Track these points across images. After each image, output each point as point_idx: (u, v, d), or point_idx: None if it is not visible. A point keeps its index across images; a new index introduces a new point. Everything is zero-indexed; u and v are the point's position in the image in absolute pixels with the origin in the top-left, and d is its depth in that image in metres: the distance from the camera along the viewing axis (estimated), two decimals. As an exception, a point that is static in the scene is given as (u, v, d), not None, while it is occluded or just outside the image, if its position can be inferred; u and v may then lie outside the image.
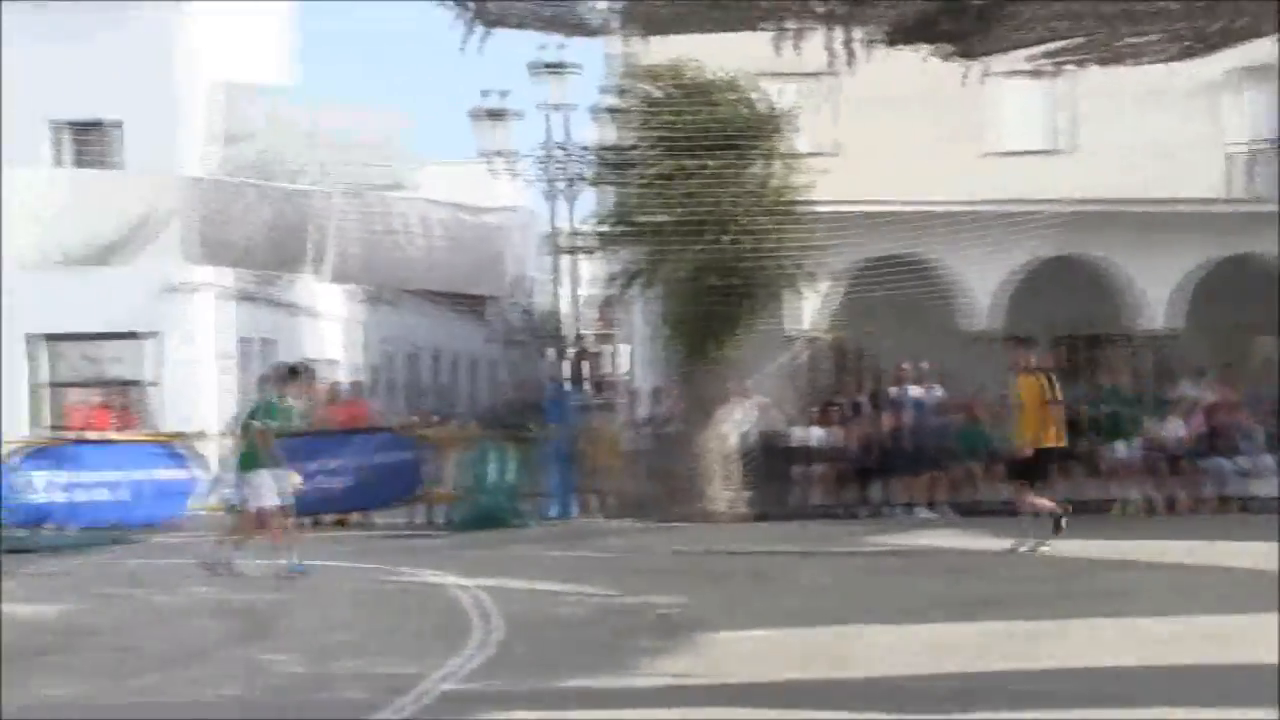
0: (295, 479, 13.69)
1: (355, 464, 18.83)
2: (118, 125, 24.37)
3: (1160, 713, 6.75)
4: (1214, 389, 20.01)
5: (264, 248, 18.68)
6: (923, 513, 18.32)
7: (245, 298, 26.08)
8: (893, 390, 19.54)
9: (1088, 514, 16.37)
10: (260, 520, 13.37)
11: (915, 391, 19.27)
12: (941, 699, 7.23)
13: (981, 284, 20.96)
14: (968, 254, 20.11)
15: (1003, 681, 7.65)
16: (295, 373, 14.54)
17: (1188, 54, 12.98)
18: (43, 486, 17.80)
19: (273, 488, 13.26)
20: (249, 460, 13.53)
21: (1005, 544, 13.87)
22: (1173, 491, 18.93)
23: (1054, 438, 14.14)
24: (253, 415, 13.79)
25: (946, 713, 6.87)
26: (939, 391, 19.60)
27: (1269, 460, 19.23)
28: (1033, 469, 14.16)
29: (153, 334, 24.42)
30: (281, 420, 13.65)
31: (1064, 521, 13.82)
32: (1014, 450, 14.55)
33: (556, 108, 20.86)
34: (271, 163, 19.13)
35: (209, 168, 19.09)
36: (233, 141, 18.59)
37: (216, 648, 9.54)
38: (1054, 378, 14.48)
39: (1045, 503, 14.02)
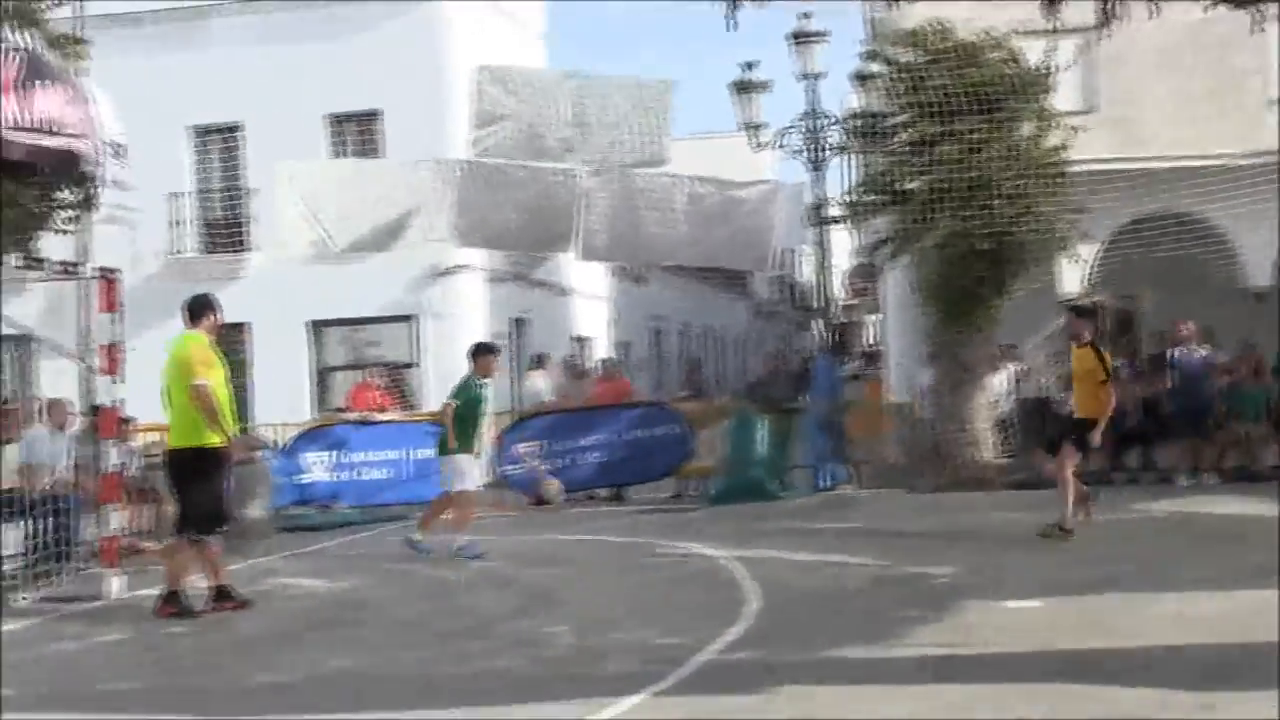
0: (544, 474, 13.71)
1: (621, 439, 19.14)
2: (383, 115, 25.13)
3: None
4: None
5: (521, 228, 19.14)
6: (1184, 479, 17.54)
7: (506, 278, 26.68)
8: (1168, 352, 18.84)
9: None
10: (459, 503, 13.43)
11: (1184, 353, 18.44)
12: (1206, 672, 7.01)
13: (1255, 240, 20.11)
14: (1241, 209, 19.29)
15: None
16: (485, 350, 14.21)
17: None
18: (322, 466, 18.67)
19: (466, 472, 13.31)
20: (443, 444, 13.54)
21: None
22: None
23: (1095, 411, 13.08)
24: (453, 397, 13.69)
25: (1210, 688, 6.63)
26: (1205, 352, 18.75)
27: None
28: (1078, 441, 13.15)
29: (419, 316, 25.19)
30: (472, 400, 13.53)
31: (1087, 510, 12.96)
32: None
33: (815, 77, 20.71)
34: (531, 143, 19.58)
35: (470, 152, 19.65)
36: (490, 123, 19.07)
37: (492, 621, 9.82)
38: (1105, 352, 13.47)
39: (1071, 486, 12.94)
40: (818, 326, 23.98)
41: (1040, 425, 18.57)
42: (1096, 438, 12.81)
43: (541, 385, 21.18)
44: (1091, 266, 19.51)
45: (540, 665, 8.12)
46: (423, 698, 7.31)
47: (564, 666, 8.08)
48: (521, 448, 18.59)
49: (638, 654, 8.23)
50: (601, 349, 30.95)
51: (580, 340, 31.05)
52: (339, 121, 25.62)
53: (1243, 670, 6.99)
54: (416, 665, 8.25)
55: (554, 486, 14.86)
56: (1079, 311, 14.46)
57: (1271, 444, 17.92)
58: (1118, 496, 15.84)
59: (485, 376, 13.78)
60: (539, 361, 22.19)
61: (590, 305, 32.33)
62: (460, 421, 13.26)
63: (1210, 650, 7.58)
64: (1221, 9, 12.63)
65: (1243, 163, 19.52)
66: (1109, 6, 12.43)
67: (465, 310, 25.21)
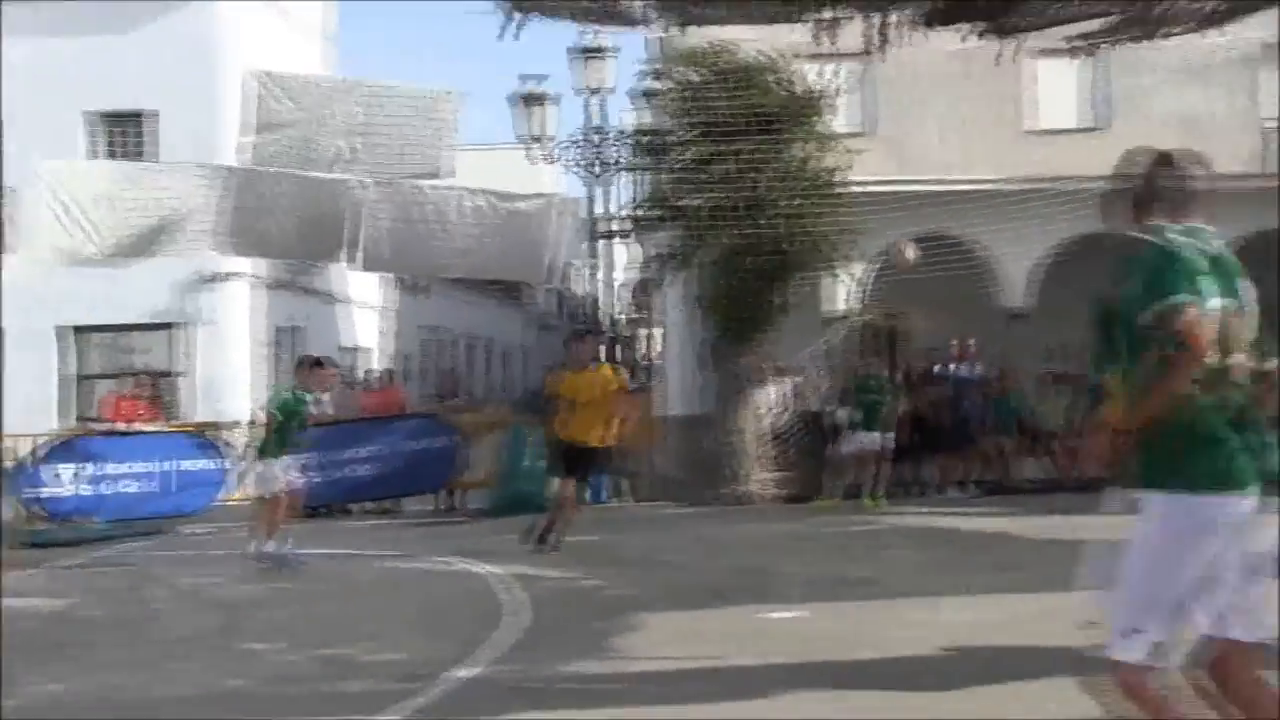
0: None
1: (391, 450, 18.86)
2: (153, 116, 24.37)
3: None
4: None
5: (296, 237, 18.64)
6: (953, 492, 18.09)
7: (279, 286, 26.11)
8: (935, 368, 19.39)
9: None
10: (272, 508, 13.44)
11: (954, 369, 19.10)
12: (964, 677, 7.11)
13: (1017, 263, 20.77)
14: (1004, 233, 19.90)
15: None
16: (315, 364, 14.59)
17: (1219, 21, 12.76)
18: (70, 479, 17.90)
19: (278, 476, 13.37)
20: (261, 449, 13.90)
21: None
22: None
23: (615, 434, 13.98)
24: (270, 406, 14.13)
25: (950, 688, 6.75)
26: (978, 369, 19.42)
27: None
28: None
29: (184, 324, 24.47)
30: (291, 411, 13.63)
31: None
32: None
33: (594, 92, 20.75)
34: (308, 152, 19.12)
35: (243, 158, 19.10)
36: (266, 130, 18.57)
37: (227, 637, 9.51)
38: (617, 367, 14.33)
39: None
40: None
41: (813, 439, 18.92)
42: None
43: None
44: (864, 285, 19.89)
45: (277, 684, 7.82)
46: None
47: (303, 685, 7.80)
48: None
49: (384, 670, 8.02)
50: (376, 359, 30.50)
51: (354, 350, 30.56)
52: (107, 120, 24.75)
53: (997, 672, 7.10)
54: (141, 687, 7.88)
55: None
56: (580, 335, 14.98)
57: (1025, 458, 18.63)
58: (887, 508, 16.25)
59: (309, 390, 13.98)
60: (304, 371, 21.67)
61: (365, 315, 31.85)
62: (279, 430, 13.51)
63: (960, 655, 7.71)
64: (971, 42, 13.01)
65: (1004, 188, 20.13)
66: (879, 32, 12.71)
67: (234, 317, 24.58)
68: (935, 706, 6.64)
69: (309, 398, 13.91)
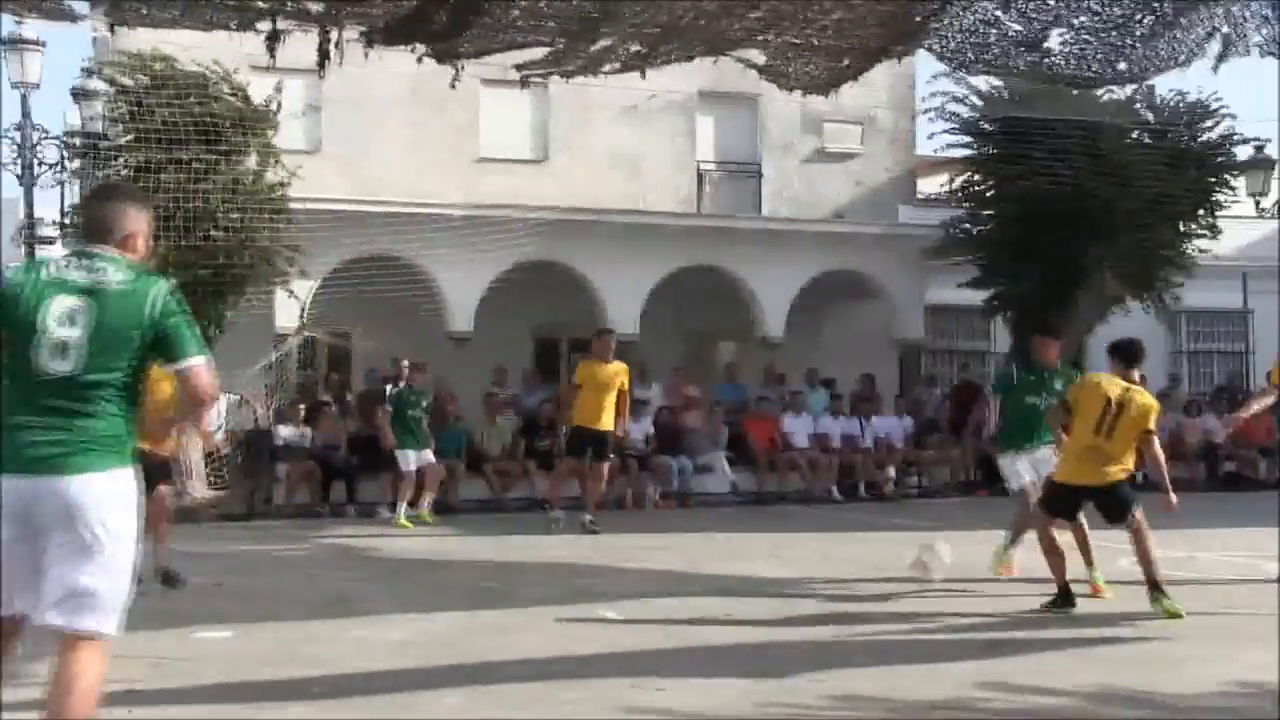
0: None
1: None
2: None
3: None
4: (668, 391, 21.47)
5: None
6: (384, 512, 18.12)
7: None
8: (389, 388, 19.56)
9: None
10: None
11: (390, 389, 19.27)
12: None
13: (462, 288, 21.36)
14: (450, 258, 20.43)
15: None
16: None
17: (652, 62, 13.61)
18: None
19: None
20: None
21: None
22: (635, 488, 19.89)
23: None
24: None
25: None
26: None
27: (720, 457, 20.63)
28: None
29: None
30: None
31: None
32: None
33: (29, 87, 19.73)
34: None
35: None
36: None
37: None
38: None
39: None
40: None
41: (254, 457, 18.71)
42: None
43: None
44: (307, 302, 19.91)
45: None
46: None
47: None
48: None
49: None
50: None
51: None
52: None
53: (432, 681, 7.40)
54: None
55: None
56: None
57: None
58: (323, 528, 16.31)
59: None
60: None
61: None
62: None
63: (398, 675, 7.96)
64: (430, 63, 13.33)
65: (451, 212, 20.69)
66: (324, 48, 12.77)
67: None
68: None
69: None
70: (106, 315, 4.99)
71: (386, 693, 7.45)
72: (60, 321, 4.95)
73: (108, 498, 4.93)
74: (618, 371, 16.00)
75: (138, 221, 5.33)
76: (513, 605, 10.31)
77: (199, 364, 5.13)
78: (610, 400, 15.71)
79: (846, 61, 13.24)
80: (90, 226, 5.34)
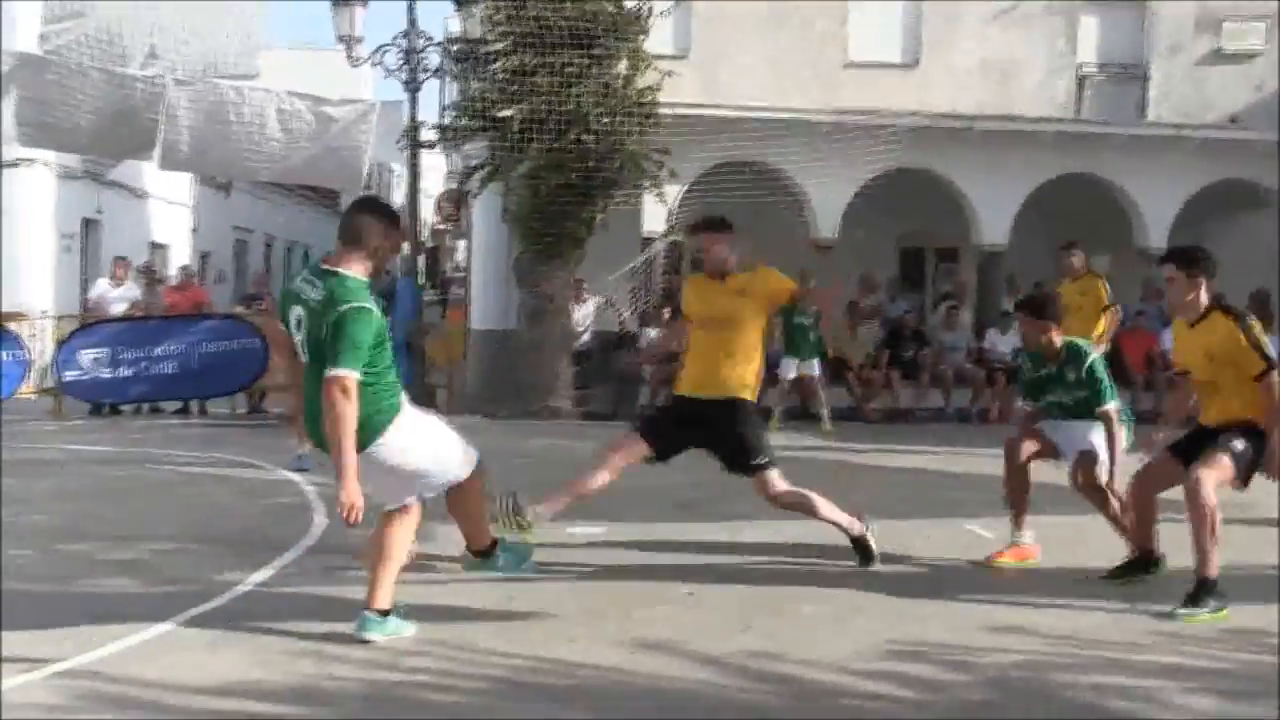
0: None
1: (195, 350, 18.54)
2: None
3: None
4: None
5: (96, 132, 18.07)
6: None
7: (78, 176, 25.33)
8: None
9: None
10: None
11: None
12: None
13: (827, 195, 21.09)
14: (815, 165, 20.18)
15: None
16: None
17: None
18: None
19: None
20: None
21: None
22: (1003, 401, 19.39)
23: None
24: None
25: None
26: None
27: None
28: None
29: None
30: None
31: None
32: None
33: (413, -3, 20.38)
34: (110, 44, 18.49)
35: (45, 47, 18.41)
36: (62, 19, 17.92)
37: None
38: None
39: None
40: (404, 248, 23.75)
41: (618, 359, 19.09)
42: None
43: (111, 290, 20.22)
44: (674, 206, 20.03)
45: (57, 583, 7.68)
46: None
47: (87, 584, 7.71)
48: (87, 354, 17.86)
49: (180, 576, 7.95)
50: (181, 257, 29.83)
51: (157, 247, 29.83)
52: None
53: (784, 601, 7.34)
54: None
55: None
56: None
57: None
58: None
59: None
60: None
61: (170, 211, 31.07)
62: None
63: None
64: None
65: (818, 120, 20.40)
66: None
67: (31, 207, 23.77)
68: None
69: None
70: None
71: (744, 593, 7.46)
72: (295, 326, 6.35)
73: None
74: None
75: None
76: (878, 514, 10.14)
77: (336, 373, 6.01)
78: None
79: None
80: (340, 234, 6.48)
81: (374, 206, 6.50)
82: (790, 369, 17.61)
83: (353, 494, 5.93)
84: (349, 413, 5.92)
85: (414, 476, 6.53)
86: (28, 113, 17.36)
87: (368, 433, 6.15)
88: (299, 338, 6.24)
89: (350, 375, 5.96)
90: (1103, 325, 13.70)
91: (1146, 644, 6.50)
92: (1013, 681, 5.89)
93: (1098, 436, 8.19)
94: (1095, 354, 8.37)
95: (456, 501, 7.21)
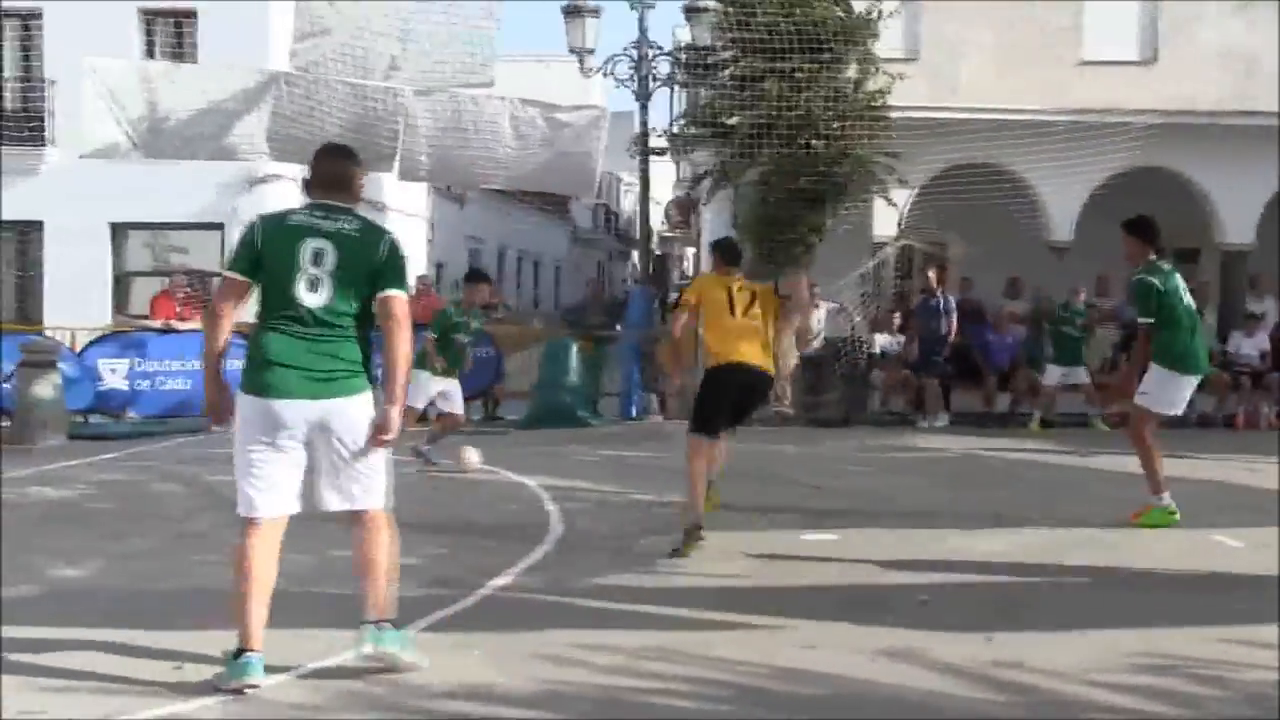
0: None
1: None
2: (199, 14, 24.38)
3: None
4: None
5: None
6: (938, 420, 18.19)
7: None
8: (948, 297, 19.46)
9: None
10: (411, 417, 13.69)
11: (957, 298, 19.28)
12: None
13: (1063, 195, 20.65)
14: (1050, 165, 19.78)
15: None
16: (469, 279, 15.07)
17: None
18: (111, 373, 18.18)
19: (419, 391, 13.51)
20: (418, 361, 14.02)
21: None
22: (1249, 406, 18.77)
23: None
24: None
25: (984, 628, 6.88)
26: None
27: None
28: None
29: (230, 224, 24.62)
30: (447, 326, 14.09)
31: None
32: None
33: (646, 6, 20.63)
34: (354, 59, 19.08)
35: (294, 63, 19.10)
36: (310, 36, 18.55)
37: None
38: None
39: None
40: (636, 256, 24.04)
41: (851, 364, 18.99)
42: None
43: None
44: (905, 210, 19.84)
45: (296, 585, 7.81)
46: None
47: (326, 587, 7.74)
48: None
49: (421, 579, 8.14)
50: (418, 267, 30.63)
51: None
52: (151, 17, 24.76)
53: (1022, 608, 7.23)
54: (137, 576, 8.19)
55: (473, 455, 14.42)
56: None
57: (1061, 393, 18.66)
58: (915, 436, 16.31)
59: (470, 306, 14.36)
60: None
61: (407, 223, 31.95)
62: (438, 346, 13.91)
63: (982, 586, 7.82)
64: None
65: (1051, 119, 19.98)
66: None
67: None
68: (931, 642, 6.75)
69: (466, 315, 14.23)
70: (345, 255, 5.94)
71: (984, 602, 7.37)
72: (312, 260, 5.92)
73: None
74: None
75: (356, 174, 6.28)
76: (1107, 523, 9.92)
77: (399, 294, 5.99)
78: None
79: None
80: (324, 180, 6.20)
81: (348, 152, 6.49)
82: (1054, 376, 17.60)
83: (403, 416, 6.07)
84: (410, 330, 6.01)
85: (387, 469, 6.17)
86: (278, 128, 18.04)
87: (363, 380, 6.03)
88: (313, 272, 5.91)
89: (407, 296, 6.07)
90: None
91: None
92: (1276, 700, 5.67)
93: None
94: None
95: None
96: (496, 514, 10.78)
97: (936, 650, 6.32)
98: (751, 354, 9.30)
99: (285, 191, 24.78)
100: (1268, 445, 15.60)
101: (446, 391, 14.03)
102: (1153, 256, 10.62)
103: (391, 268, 6.00)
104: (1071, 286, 18.57)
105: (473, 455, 13.44)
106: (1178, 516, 9.79)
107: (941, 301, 19.07)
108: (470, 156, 19.41)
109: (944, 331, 18.75)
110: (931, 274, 19.35)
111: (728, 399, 9.30)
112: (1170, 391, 10.14)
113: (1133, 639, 6.55)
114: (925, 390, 18.59)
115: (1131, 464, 10.35)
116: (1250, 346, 19.20)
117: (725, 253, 10.16)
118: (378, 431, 5.94)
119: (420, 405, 13.73)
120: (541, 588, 7.89)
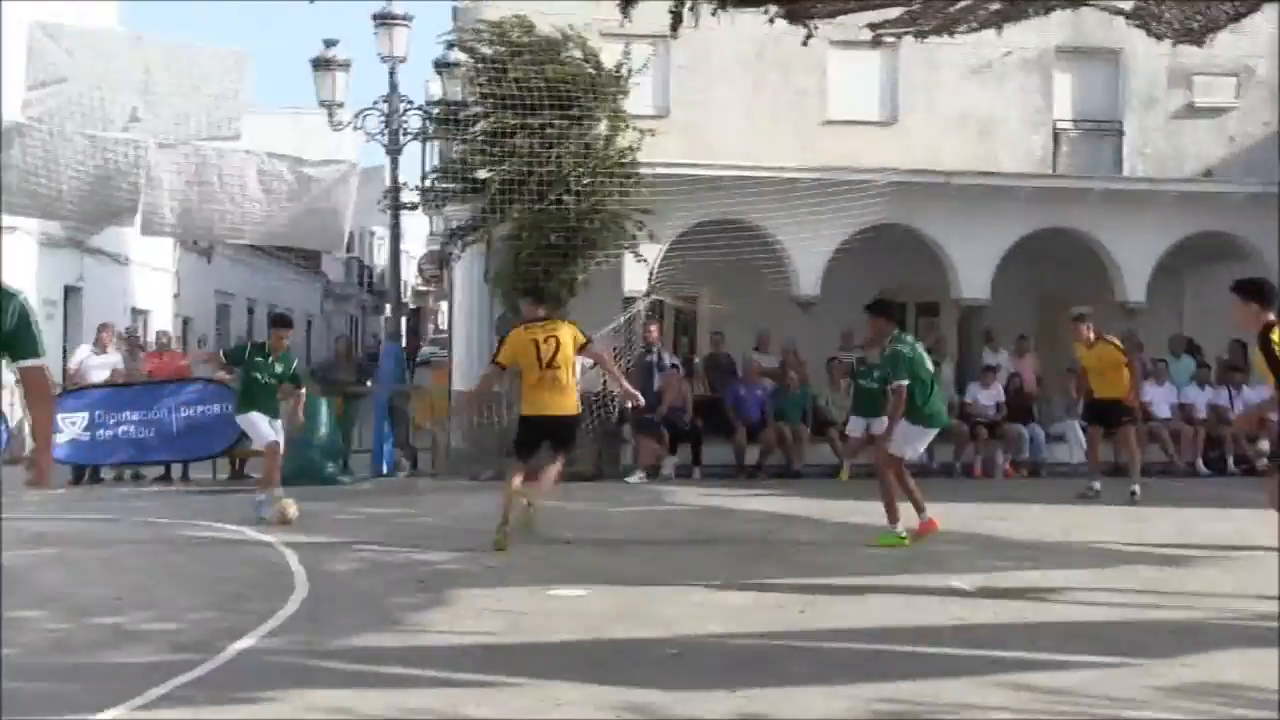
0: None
1: (175, 415, 18.47)
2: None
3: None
4: (1015, 358, 20.99)
5: (80, 198, 18.10)
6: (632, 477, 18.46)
7: (61, 244, 25.32)
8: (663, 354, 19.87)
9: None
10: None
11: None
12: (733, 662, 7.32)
13: (809, 251, 21.12)
14: (796, 221, 20.25)
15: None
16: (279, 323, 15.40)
17: (1011, 19, 13.21)
18: None
19: (255, 431, 14.27)
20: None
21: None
22: (985, 455, 19.51)
23: None
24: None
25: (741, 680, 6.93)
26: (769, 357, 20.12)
27: (1072, 425, 19.91)
28: None
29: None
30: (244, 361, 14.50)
31: None
32: None
33: (396, 60, 20.51)
34: (95, 110, 18.50)
35: (28, 113, 18.41)
36: (46, 84, 17.95)
37: None
38: None
39: None
40: (387, 311, 23.79)
41: (603, 419, 19.07)
42: None
43: (93, 358, 20.13)
44: (655, 265, 20.06)
45: (47, 654, 7.57)
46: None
47: (74, 655, 7.61)
48: (67, 420, 17.79)
49: (165, 642, 7.89)
50: (162, 322, 29.78)
51: (139, 313, 29.79)
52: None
53: (768, 661, 7.32)
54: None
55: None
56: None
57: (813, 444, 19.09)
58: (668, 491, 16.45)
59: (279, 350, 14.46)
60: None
61: (152, 277, 31.06)
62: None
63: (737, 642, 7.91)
64: (782, 25, 13.18)
65: (797, 175, 20.49)
66: (678, 12, 12.81)
67: (12, 275, 23.63)
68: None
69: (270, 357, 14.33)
70: None
71: (730, 657, 7.42)
72: None
73: None
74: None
75: None
76: (852, 573, 10.13)
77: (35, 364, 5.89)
78: None
79: (1225, 6, 12.47)
80: None
81: None
82: (858, 427, 17.93)
83: None
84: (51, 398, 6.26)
85: None
86: (12, 180, 17.38)
87: None
88: None
89: None
90: (1128, 380, 15.89)
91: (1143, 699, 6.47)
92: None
93: None
94: None
95: None
96: (238, 575, 10.47)
97: (682, 706, 6.33)
98: (556, 405, 11.44)
99: (19, 245, 23.89)
100: (1002, 493, 16.25)
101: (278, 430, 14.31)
102: (896, 331, 12.11)
103: (23, 335, 5.79)
104: (859, 342, 18.80)
105: (290, 507, 13.51)
106: (907, 540, 11.32)
107: (656, 358, 19.40)
108: (217, 210, 19.04)
109: (656, 388, 18.92)
110: (653, 329, 19.70)
111: (539, 440, 11.64)
112: (914, 440, 11.95)
113: (870, 691, 6.65)
114: (641, 445, 18.82)
115: (876, 515, 10.63)
116: (986, 397, 19.96)
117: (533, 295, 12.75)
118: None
119: (260, 446, 14.35)
120: (285, 649, 7.67)
